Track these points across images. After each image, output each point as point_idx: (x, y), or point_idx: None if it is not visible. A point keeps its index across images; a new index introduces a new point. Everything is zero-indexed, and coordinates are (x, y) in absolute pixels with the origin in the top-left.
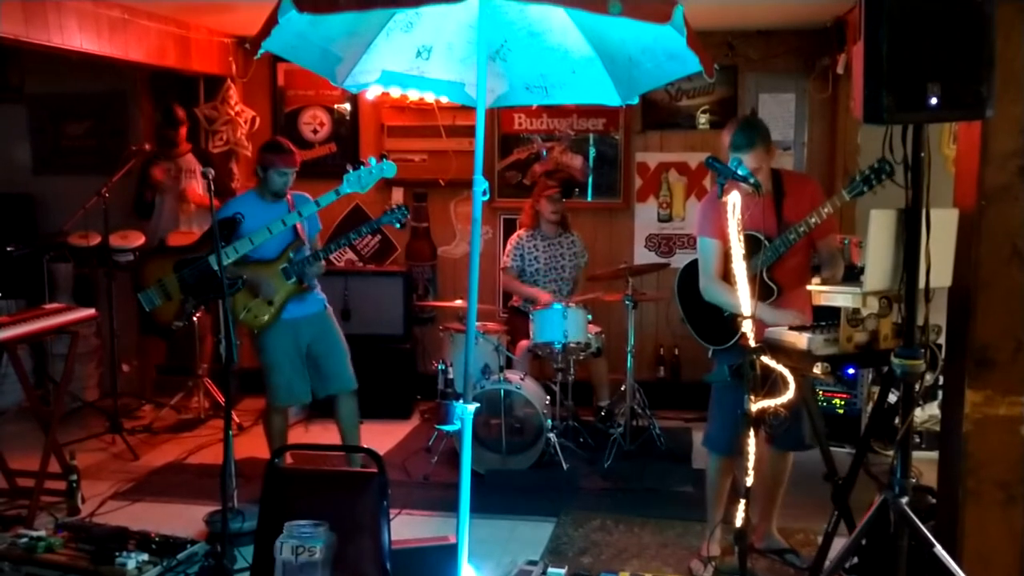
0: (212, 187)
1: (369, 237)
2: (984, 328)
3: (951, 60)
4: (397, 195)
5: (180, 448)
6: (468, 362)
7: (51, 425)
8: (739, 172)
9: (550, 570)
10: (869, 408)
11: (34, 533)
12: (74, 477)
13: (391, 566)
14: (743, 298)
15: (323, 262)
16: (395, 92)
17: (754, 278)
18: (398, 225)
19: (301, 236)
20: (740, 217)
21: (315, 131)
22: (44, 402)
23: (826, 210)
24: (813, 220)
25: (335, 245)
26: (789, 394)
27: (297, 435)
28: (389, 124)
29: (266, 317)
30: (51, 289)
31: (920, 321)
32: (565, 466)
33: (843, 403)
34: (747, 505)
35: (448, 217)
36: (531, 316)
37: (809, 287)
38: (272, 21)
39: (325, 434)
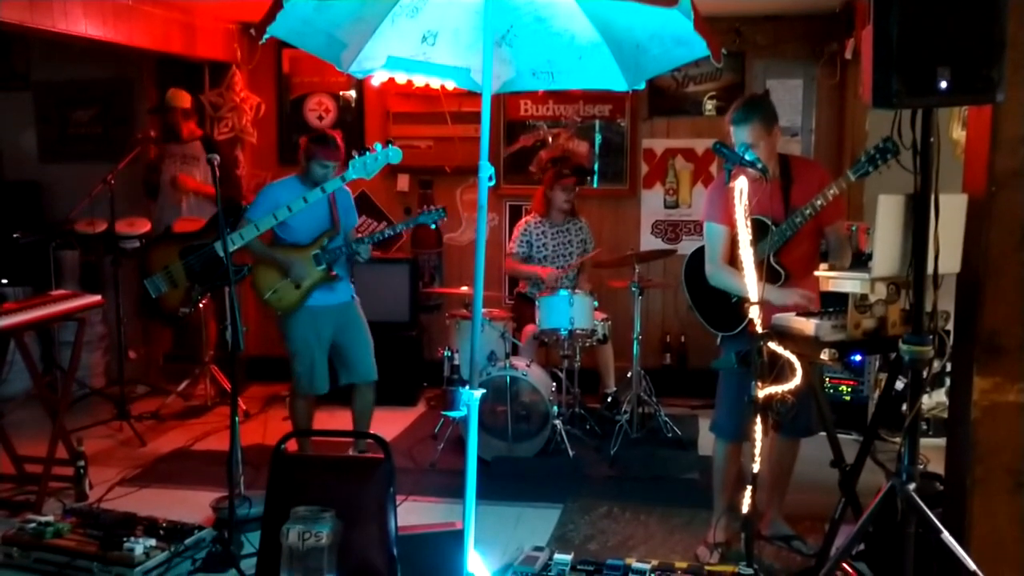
0: (217, 173)
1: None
2: (993, 314)
3: (962, 44)
4: (403, 182)
5: (187, 435)
6: (474, 349)
7: (59, 412)
8: (746, 157)
9: (556, 556)
10: (876, 395)
11: (42, 519)
12: (82, 463)
13: (397, 552)
14: (750, 284)
15: (361, 252)
16: (400, 78)
17: (761, 263)
18: (434, 226)
19: (336, 225)
20: (747, 203)
21: (320, 117)
22: (52, 389)
23: (832, 192)
24: (819, 202)
25: (370, 239)
26: (796, 380)
27: None
28: (394, 111)
29: (291, 300)
30: (58, 276)
31: (928, 307)
32: (571, 453)
33: (850, 390)
34: (754, 492)
35: (454, 204)
36: (537, 303)
37: (817, 273)
38: (277, 6)
39: (331, 420)
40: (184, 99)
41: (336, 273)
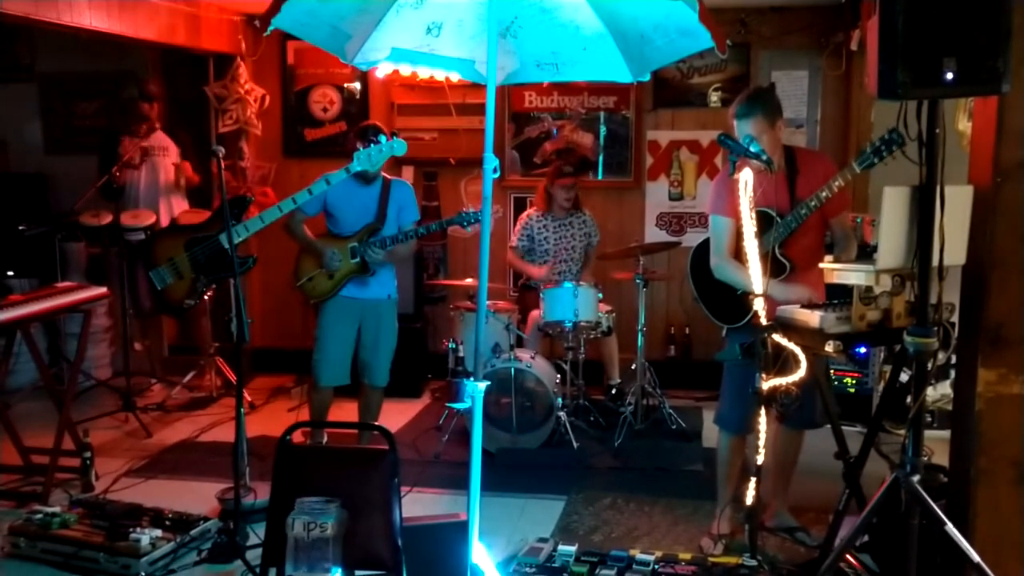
0: (221, 165)
1: None
2: (998, 306)
3: (967, 34)
4: (407, 174)
5: (192, 426)
6: (479, 340)
7: (65, 403)
8: (751, 149)
9: (560, 547)
10: (880, 387)
11: (49, 509)
12: (88, 454)
13: (402, 542)
14: (754, 276)
15: (388, 250)
16: (405, 70)
17: (766, 255)
18: (468, 229)
19: (382, 220)
20: (752, 194)
21: (325, 109)
22: (58, 380)
23: (837, 183)
24: (824, 194)
25: (402, 236)
26: (801, 372)
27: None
28: (399, 102)
29: (324, 289)
30: (63, 268)
31: (933, 299)
32: (575, 445)
33: (854, 382)
34: (758, 483)
35: (459, 196)
36: (541, 295)
37: (822, 265)
38: None
39: (338, 412)
40: (154, 87)
41: (369, 267)
